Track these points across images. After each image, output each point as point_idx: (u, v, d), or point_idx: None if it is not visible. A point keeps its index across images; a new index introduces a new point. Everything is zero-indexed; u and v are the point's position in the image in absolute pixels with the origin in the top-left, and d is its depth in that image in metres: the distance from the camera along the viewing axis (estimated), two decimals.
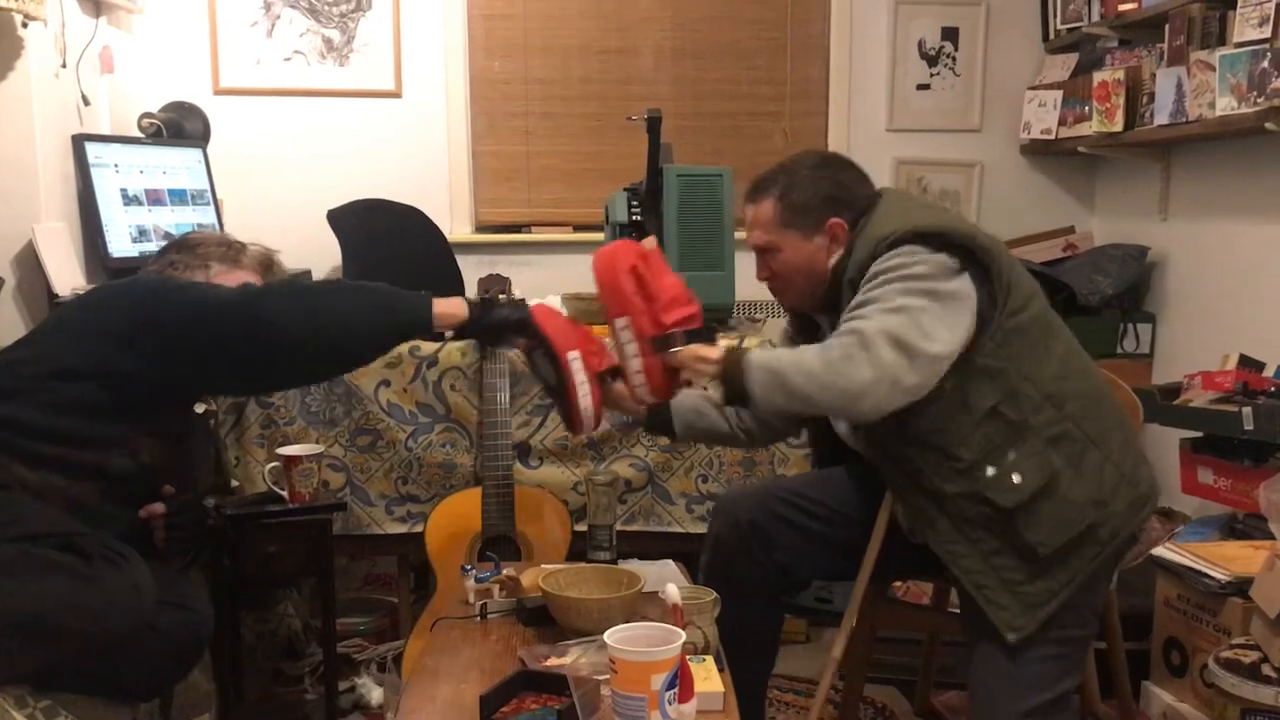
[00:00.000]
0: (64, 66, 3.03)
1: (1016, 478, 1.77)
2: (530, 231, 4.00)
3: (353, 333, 1.90)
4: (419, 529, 2.66)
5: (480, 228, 4.01)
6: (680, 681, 1.48)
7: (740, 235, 2.48)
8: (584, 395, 1.86)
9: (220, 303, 1.90)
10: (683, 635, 1.49)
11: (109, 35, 3.35)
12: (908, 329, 1.71)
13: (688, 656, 1.54)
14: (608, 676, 1.52)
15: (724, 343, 1.92)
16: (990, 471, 1.78)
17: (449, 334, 2.11)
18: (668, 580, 2.06)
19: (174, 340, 1.86)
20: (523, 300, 2.12)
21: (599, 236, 3.76)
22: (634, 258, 1.87)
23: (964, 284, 1.77)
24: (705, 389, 2.04)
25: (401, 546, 2.75)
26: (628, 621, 1.82)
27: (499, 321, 1.96)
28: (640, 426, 2.48)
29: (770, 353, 1.82)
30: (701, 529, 2.70)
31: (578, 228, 3.98)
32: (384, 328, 1.93)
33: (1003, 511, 1.78)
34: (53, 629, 1.64)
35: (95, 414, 1.86)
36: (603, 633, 1.79)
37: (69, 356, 1.89)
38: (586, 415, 1.87)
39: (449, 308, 1.94)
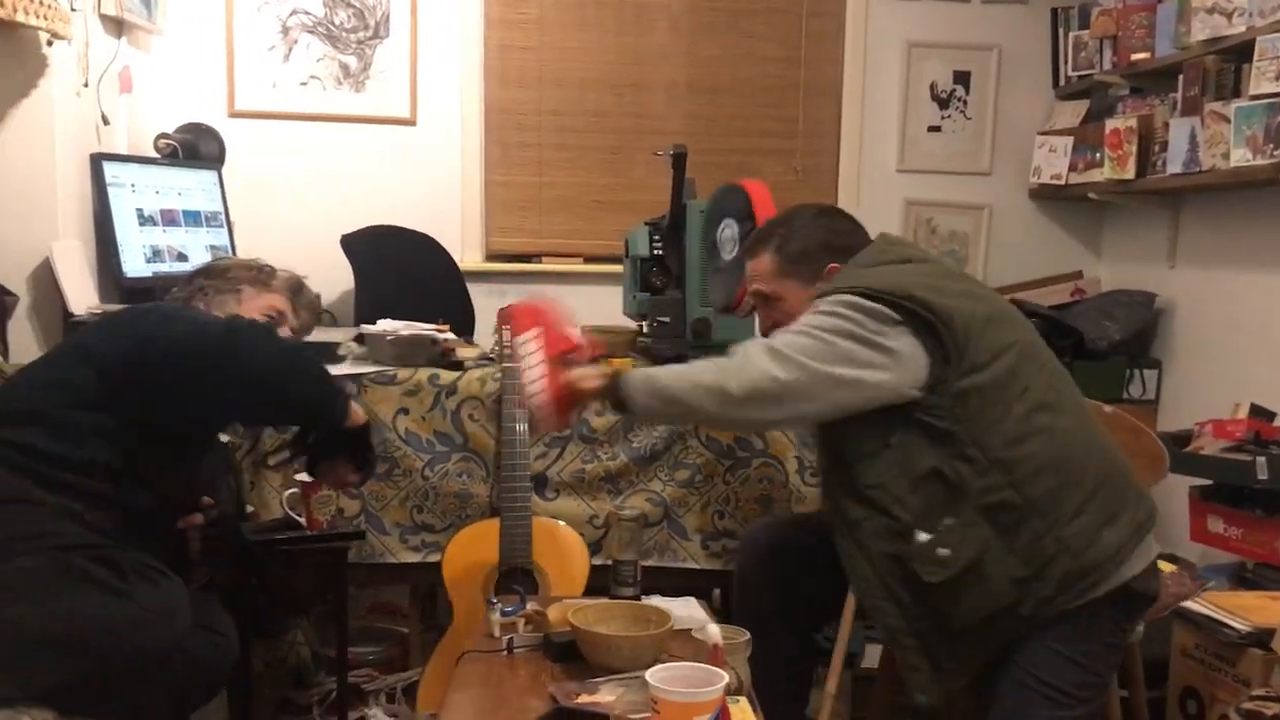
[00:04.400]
0: (86, 86, 3.03)
1: (943, 551, 1.74)
2: (541, 261, 4.00)
3: (306, 396, 1.95)
4: (433, 559, 2.64)
5: (491, 256, 4.01)
6: None
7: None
8: (533, 376, 1.91)
9: (216, 330, 1.92)
10: (725, 676, 1.48)
11: (128, 55, 3.35)
12: (797, 344, 1.78)
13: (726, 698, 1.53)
14: (648, 716, 1.51)
15: None
16: (922, 537, 1.76)
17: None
18: (691, 617, 2.07)
19: (167, 367, 1.86)
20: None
21: (610, 268, 3.78)
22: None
23: (896, 339, 1.77)
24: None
25: (414, 576, 2.73)
26: (657, 659, 1.82)
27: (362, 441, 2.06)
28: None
29: (653, 367, 1.93)
30: (717, 565, 2.70)
31: (588, 259, 3.99)
32: (320, 413, 1.99)
33: (926, 583, 1.77)
34: (83, 645, 1.62)
35: (110, 443, 1.84)
36: (632, 670, 1.79)
37: (84, 382, 1.87)
38: (534, 396, 1.90)
39: (355, 411, 2.03)
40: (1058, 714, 1.75)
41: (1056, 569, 1.72)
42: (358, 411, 2.03)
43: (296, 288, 2.26)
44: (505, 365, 2.65)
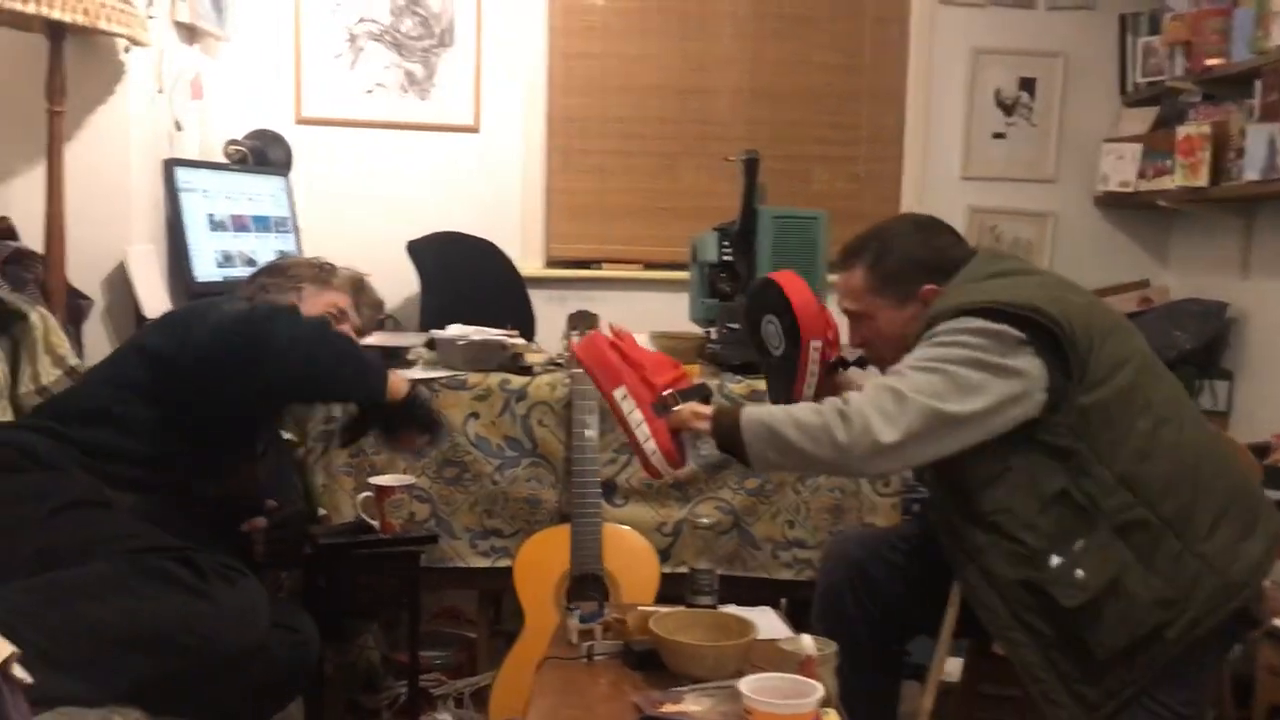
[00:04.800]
0: (160, 92, 3.06)
1: (1080, 573, 1.67)
2: (601, 268, 4.00)
3: (332, 383, 1.99)
4: (501, 563, 2.64)
5: (551, 263, 4.01)
6: None
7: (835, 278, 2.46)
8: (642, 435, 1.86)
9: (235, 317, 1.94)
10: (820, 688, 1.46)
11: (199, 62, 3.39)
12: (920, 383, 1.68)
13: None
14: None
15: None
16: (1055, 561, 1.69)
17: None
18: (769, 627, 2.04)
19: (201, 362, 1.91)
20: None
21: (671, 275, 3.77)
22: (609, 338, 1.93)
23: (1022, 359, 1.70)
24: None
25: (482, 581, 2.73)
26: (740, 670, 1.80)
27: (413, 411, 2.05)
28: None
29: (768, 407, 1.80)
30: (788, 575, 2.68)
31: (649, 265, 3.98)
32: (351, 388, 2.02)
33: (1064, 608, 1.69)
34: (165, 646, 1.63)
35: (172, 435, 1.89)
36: (716, 679, 1.78)
37: (139, 377, 1.93)
38: (652, 454, 1.85)
39: (396, 383, 2.02)
40: None
41: (1202, 588, 1.66)
42: (397, 383, 2.02)
43: (358, 286, 2.28)
44: (574, 371, 2.65)
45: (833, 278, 2.50)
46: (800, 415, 1.73)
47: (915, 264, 1.91)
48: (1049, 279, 1.90)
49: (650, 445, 1.84)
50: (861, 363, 1.91)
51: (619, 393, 1.86)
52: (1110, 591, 1.66)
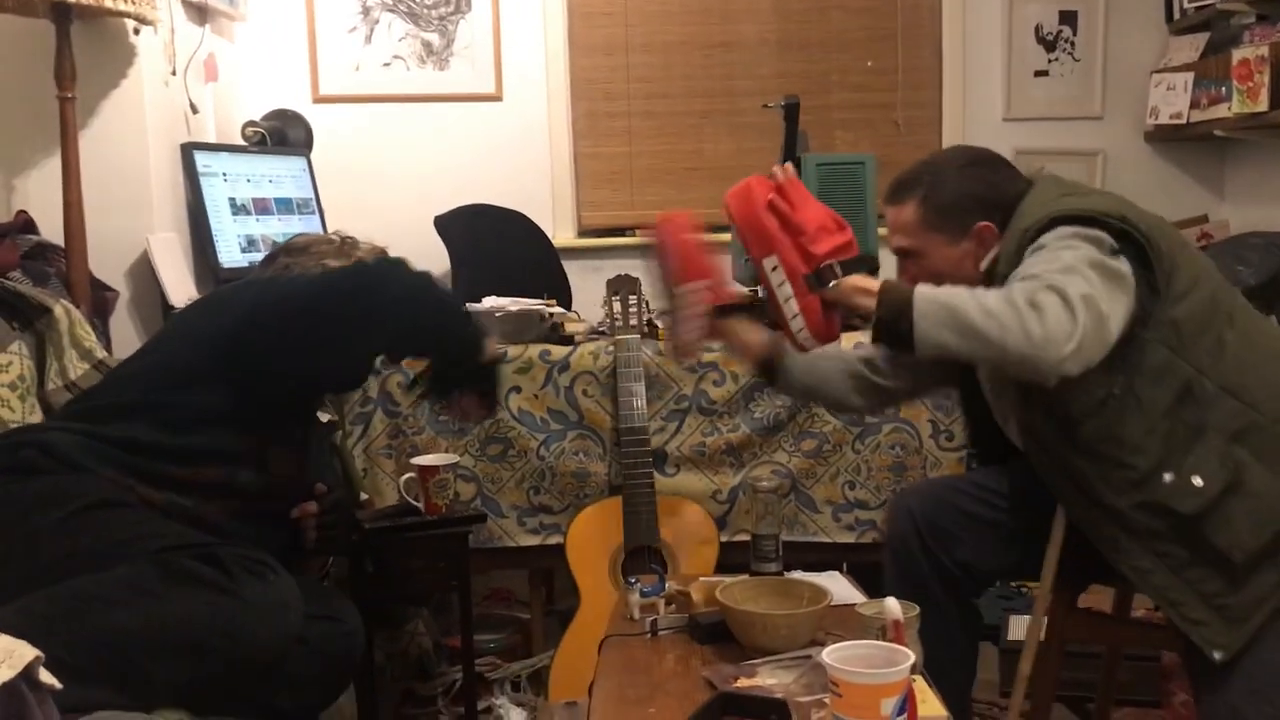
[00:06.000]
0: (173, 74, 2.97)
1: (1197, 480, 1.61)
2: (634, 234, 3.88)
3: (442, 337, 1.91)
4: (552, 541, 2.55)
5: (584, 232, 3.90)
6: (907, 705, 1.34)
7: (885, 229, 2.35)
8: (790, 311, 1.71)
9: (338, 274, 1.88)
10: (911, 655, 1.35)
11: (212, 43, 3.30)
12: (1091, 288, 1.55)
13: None
14: (822, 698, 1.39)
15: None
16: (1168, 478, 1.63)
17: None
18: (840, 592, 1.94)
19: (290, 321, 1.81)
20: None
21: (707, 237, 3.64)
22: (769, 191, 1.74)
23: (1122, 264, 1.62)
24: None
25: (533, 559, 2.64)
26: (815, 638, 1.70)
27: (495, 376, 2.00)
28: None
29: (945, 286, 1.64)
30: (849, 538, 2.58)
31: None
32: (458, 344, 1.94)
33: (1187, 519, 1.62)
34: (196, 647, 1.55)
35: (219, 426, 1.79)
36: (788, 650, 1.67)
37: (188, 363, 1.82)
38: (799, 332, 1.72)
39: (492, 348, 1.98)
40: None
41: None
42: (493, 345, 1.97)
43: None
44: (618, 338, 2.54)
45: (884, 231, 2.40)
46: (986, 300, 1.56)
47: (971, 199, 1.80)
48: (1118, 196, 1.79)
49: (798, 323, 1.68)
50: (855, 265, 1.73)
51: (769, 263, 1.69)
52: (1232, 491, 1.61)
